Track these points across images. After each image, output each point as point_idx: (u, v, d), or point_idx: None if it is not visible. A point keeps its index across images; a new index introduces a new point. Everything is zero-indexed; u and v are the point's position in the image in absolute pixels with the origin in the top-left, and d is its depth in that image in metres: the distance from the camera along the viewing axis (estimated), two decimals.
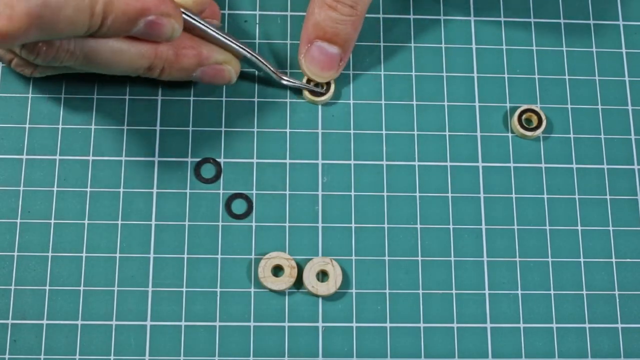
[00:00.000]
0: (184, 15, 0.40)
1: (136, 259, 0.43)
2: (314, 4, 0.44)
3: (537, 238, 0.45)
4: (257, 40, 0.47)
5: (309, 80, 0.45)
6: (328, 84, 0.45)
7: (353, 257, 0.44)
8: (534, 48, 0.48)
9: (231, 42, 0.43)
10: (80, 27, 0.35)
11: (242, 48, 0.43)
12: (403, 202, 0.45)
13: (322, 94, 0.45)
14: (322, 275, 0.43)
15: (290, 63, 0.47)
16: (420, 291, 0.44)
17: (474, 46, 0.48)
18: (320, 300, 0.43)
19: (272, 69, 0.45)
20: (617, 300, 0.44)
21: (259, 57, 0.44)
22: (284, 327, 0.43)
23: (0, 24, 0.33)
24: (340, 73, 0.45)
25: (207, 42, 0.42)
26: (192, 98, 0.46)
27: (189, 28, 0.41)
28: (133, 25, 0.37)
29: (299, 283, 0.43)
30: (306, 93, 0.45)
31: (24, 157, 0.44)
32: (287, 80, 0.45)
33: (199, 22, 0.41)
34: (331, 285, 0.42)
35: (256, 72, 0.46)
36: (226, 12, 0.47)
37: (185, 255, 0.43)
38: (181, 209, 0.44)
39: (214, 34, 0.42)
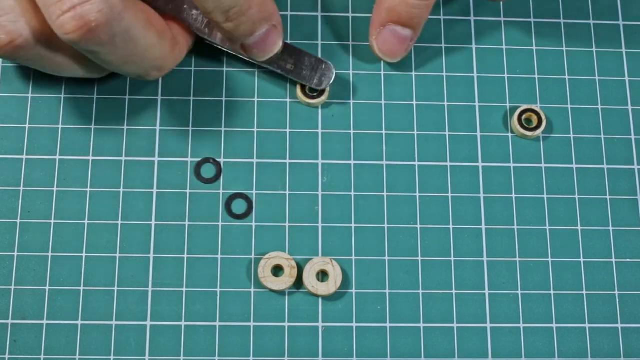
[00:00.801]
0: None
1: (136, 259, 0.43)
2: None
3: (537, 238, 0.45)
4: None
5: (280, 61, 0.45)
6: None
7: (353, 257, 0.44)
8: (534, 48, 0.48)
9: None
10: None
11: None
12: (403, 202, 0.45)
13: (315, 97, 0.45)
14: (322, 275, 0.43)
15: None
16: (420, 291, 0.44)
17: (474, 46, 0.48)
18: (320, 300, 0.43)
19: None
20: (617, 300, 0.44)
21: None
22: (284, 327, 0.43)
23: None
24: (408, 53, 0.46)
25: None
26: (192, 98, 0.46)
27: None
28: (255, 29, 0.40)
29: (299, 283, 0.43)
30: (300, 95, 0.45)
31: (24, 157, 0.44)
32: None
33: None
34: (331, 285, 0.42)
35: (256, 71, 0.46)
36: None
37: (185, 255, 0.43)
38: (181, 209, 0.44)
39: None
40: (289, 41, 0.47)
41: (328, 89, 0.45)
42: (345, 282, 0.43)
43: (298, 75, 0.44)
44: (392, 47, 0.45)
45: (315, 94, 0.45)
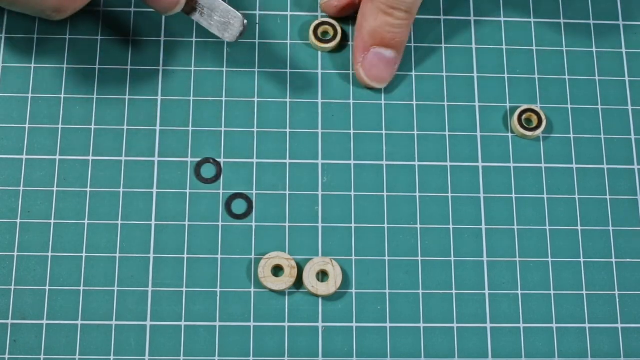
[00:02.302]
0: None
1: (136, 259, 0.43)
2: (367, 12, 0.44)
3: (537, 238, 0.45)
4: (257, 40, 0.47)
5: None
6: (335, 31, 0.46)
7: (353, 257, 0.44)
8: (534, 48, 0.48)
9: None
10: None
11: None
12: (403, 202, 0.45)
13: (329, 41, 0.46)
14: (322, 275, 0.43)
15: (290, 63, 0.47)
16: (420, 291, 0.44)
17: (474, 46, 0.48)
18: (320, 300, 0.43)
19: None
20: (617, 300, 0.44)
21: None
22: (284, 327, 0.43)
23: None
24: (393, 76, 0.46)
25: None
26: (192, 98, 0.46)
27: None
28: None
29: (299, 283, 0.43)
30: (313, 39, 0.46)
31: (24, 157, 0.44)
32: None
33: None
34: (331, 285, 0.42)
35: (256, 71, 0.46)
36: None
37: (185, 255, 0.43)
38: (181, 209, 0.44)
39: None
40: (288, 41, 0.47)
41: (339, 35, 0.46)
42: (345, 282, 0.43)
43: (210, 27, 0.43)
44: (379, 72, 0.45)
45: (327, 39, 0.46)
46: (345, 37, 0.47)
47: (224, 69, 0.46)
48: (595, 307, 0.44)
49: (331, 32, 0.46)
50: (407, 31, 0.45)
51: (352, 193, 0.45)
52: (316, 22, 0.46)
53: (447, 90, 0.47)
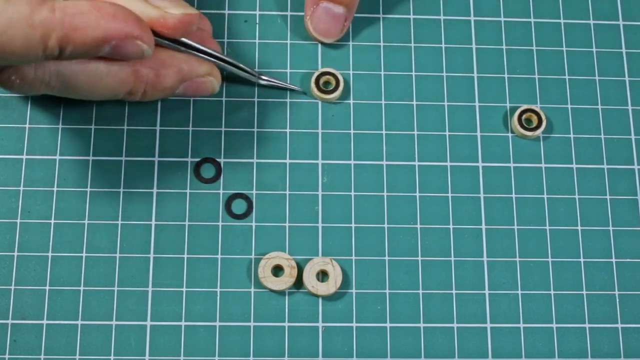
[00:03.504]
0: (157, 38, 0.38)
1: (136, 259, 0.43)
2: None
3: (537, 238, 0.45)
4: (257, 40, 0.47)
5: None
6: (337, 81, 0.45)
7: (353, 257, 0.44)
8: (534, 48, 0.48)
9: (209, 54, 0.41)
10: (34, 57, 0.34)
11: (218, 58, 0.42)
12: (403, 202, 0.45)
13: (331, 92, 0.45)
14: (322, 275, 0.43)
15: (290, 63, 0.47)
16: (420, 291, 0.44)
17: (474, 46, 0.48)
18: (320, 300, 0.43)
19: (249, 70, 0.44)
20: (617, 300, 0.44)
21: (235, 62, 0.43)
22: (284, 327, 0.43)
23: None
24: (344, 34, 0.46)
25: (187, 55, 0.41)
26: (192, 98, 0.46)
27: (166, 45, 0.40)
28: (98, 51, 0.36)
29: (299, 283, 0.43)
30: (315, 91, 0.45)
31: (24, 157, 0.44)
32: (266, 80, 0.45)
33: (173, 44, 0.40)
34: (331, 286, 0.42)
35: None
36: (226, 12, 0.47)
37: (185, 255, 0.43)
38: (181, 209, 0.44)
39: (190, 51, 0.41)
40: (288, 41, 0.47)
41: (341, 84, 0.45)
42: (345, 282, 0.43)
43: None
44: (327, 26, 0.45)
45: (329, 90, 0.45)
46: (347, 86, 0.47)
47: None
48: (595, 307, 0.44)
49: (333, 82, 0.46)
50: None
51: (352, 193, 0.45)
52: (317, 72, 0.46)
53: (447, 90, 0.47)
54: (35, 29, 0.34)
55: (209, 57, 0.42)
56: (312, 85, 0.46)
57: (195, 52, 0.41)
